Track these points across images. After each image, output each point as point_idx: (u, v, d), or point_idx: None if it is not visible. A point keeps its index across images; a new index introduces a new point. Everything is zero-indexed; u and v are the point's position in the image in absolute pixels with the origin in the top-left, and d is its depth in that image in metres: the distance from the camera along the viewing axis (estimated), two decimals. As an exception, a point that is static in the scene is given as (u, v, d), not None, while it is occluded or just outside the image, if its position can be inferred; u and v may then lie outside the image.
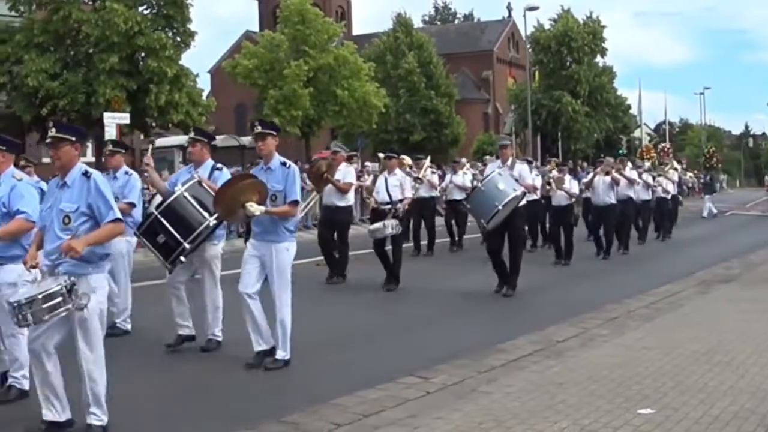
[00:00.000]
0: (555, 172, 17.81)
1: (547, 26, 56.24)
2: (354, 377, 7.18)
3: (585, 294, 12.30)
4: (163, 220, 8.11)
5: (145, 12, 26.95)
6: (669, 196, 22.18)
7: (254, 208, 7.20)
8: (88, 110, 24.90)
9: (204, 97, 29.79)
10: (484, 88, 70.21)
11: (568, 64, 55.20)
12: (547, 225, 17.85)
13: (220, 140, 42.96)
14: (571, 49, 54.43)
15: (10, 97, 26.05)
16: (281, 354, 7.58)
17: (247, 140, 41.93)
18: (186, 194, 8.16)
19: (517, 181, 11.70)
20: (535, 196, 16.78)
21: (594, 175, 17.26)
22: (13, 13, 26.15)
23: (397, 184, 13.06)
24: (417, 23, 62.09)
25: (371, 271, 14.20)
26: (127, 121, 23.17)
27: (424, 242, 17.83)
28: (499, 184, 11.36)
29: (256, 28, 66.53)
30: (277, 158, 7.71)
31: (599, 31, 56.16)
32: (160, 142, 38.41)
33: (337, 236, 13.43)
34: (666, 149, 52.99)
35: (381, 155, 15.11)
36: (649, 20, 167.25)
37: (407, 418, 5.86)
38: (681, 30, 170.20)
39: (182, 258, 8.13)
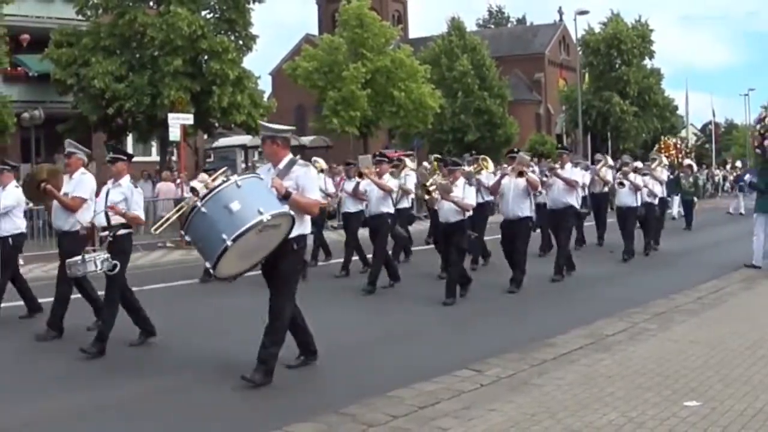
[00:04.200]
0: (437, 177, 13.03)
1: (597, 30, 55.92)
2: (409, 370, 7.30)
3: (632, 290, 12.32)
4: None
5: (208, 16, 27.23)
6: (656, 201, 17.68)
7: None
8: (153, 111, 25.27)
9: (265, 99, 29.97)
10: (536, 89, 69.84)
11: (617, 66, 54.81)
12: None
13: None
14: (621, 51, 54.13)
15: (77, 98, 26.40)
16: None
17: (307, 140, 42.56)
18: None
19: (288, 197, 6.98)
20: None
21: (502, 177, 12.36)
22: (80, 17, 26.47)
23: (121, 199, 8.58)
24: (472, 27, 62.09)
25: (417, 268, 14.45)
26: (191, 122, 23.56)
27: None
28: (232, 202, 6.61)
29: (315, 31, 66.85)
30: None
31: (647, 34, 55.68)
32: (223, 141, 39.37)
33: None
34: (677, 145, 52.10)
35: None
36: (694, 24, 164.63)
37: (462, 409, 5.98)
38: (726, 33, 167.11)
39: None
